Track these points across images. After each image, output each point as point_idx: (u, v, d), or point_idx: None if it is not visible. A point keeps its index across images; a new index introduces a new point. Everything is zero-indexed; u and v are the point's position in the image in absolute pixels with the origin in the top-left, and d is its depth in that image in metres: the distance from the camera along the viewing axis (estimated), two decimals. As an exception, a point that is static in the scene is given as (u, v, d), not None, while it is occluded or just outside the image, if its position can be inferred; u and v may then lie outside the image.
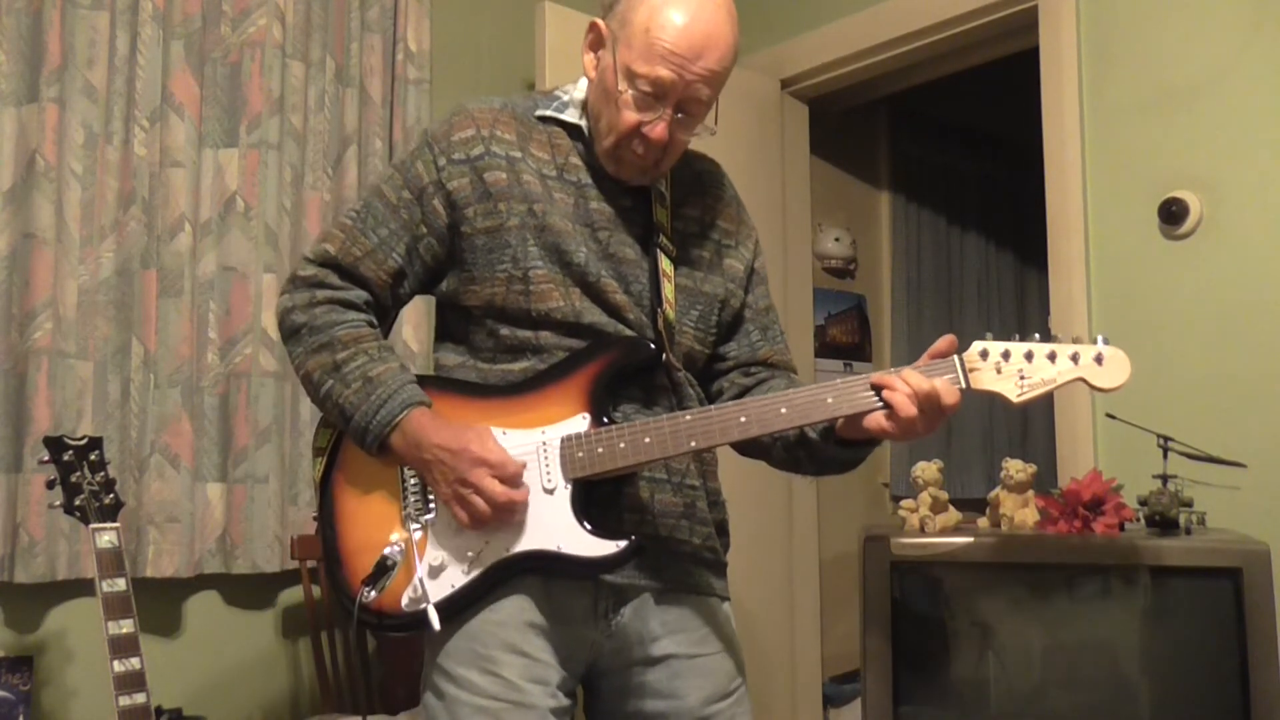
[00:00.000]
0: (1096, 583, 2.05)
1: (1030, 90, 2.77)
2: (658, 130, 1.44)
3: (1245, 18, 2.37)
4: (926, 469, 2.24)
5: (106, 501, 1.95)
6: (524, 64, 2.98)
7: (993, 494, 2.24)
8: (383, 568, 1.43)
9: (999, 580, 2.11)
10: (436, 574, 1.44)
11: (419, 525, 1.46)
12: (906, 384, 1.38)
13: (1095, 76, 2.62)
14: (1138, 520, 2.11)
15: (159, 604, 2.47)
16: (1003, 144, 4.52)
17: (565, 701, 1.47)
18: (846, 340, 4.08)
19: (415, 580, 1.43)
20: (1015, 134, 3.93)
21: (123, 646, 1.87)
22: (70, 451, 1.96)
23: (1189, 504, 2.10)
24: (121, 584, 1.90)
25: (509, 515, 1.41)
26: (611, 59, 1.44)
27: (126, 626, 1.88)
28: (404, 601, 1.43)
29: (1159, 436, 2.16)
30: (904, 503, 2.25)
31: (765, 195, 3.37)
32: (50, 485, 1.95)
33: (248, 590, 2.62)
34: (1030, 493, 2.21)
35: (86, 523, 1.93)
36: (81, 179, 2.38)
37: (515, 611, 1.45)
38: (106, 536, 1.93)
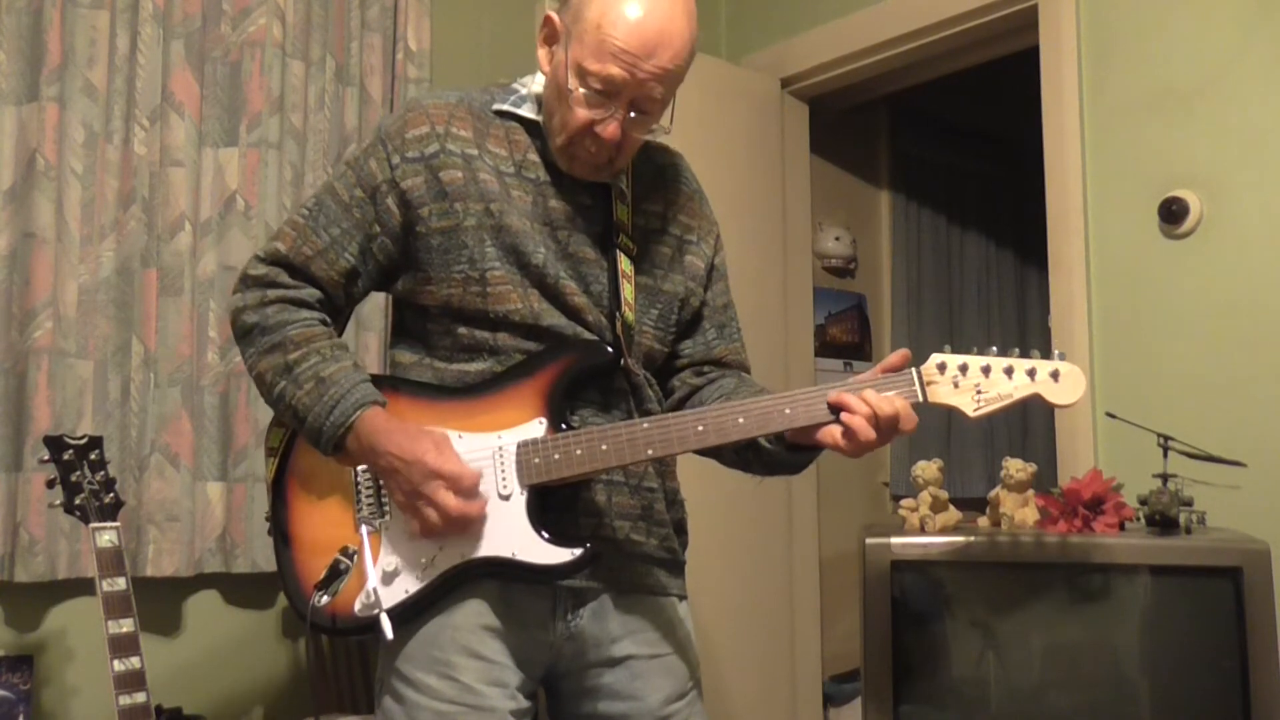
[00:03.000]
0: (1096, 583, 2.05)
1: (1030, 90, 2.77)
2: (610, 129, 1.41)
3: (1245, 18, 2.37)
4: (926, 469, 2.24)
5: (106, 501, 1.95)
6: (524, 64, 2.96)
7: (993, 494, 2.24)
8: (335, 572, 1.42)
9: (999, 580, 2.11)
10: (390, 579, 1.42)
11: (373, 529, 1.44)
12: (866, 405, 1.37)
13: (1095, 76, 2.62)
14: (1138, 520, 2.11)
15: (159, 603, 2.47)
16: (1003, 144, 4.52)
17: (525, 704, 1.46)
18: (846, 340, 4.08)
19: (368, 586, 1.41)
20: (1015, 134, 3.93)
21: (123, 646, 1.86)
22: (70, 451, 1.96)
23: (1189, 503, 2.10)
24: (121, 583, 1.90)
25: (462, 528, 1.40)
26: (564, 55, 1.42)
27: (126, 626, 1.87)
28: (357, 607, 1.42)
29: (1159, 436, 2.16)
30: (904, 502, 2.25)
31: (765, 195, 3.37)
32: (50, 484, 1.95)
33: (248, 590, 2.61)
34: (1030, 492, 2.21)
35: (86, 522, 1.93)
36: (81, 178, 2.38)
37: (472, 615, 1.44)
38: (106, 536, 1.92)
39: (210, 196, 2.56)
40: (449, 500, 1.37)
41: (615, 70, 1.38)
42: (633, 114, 1.42)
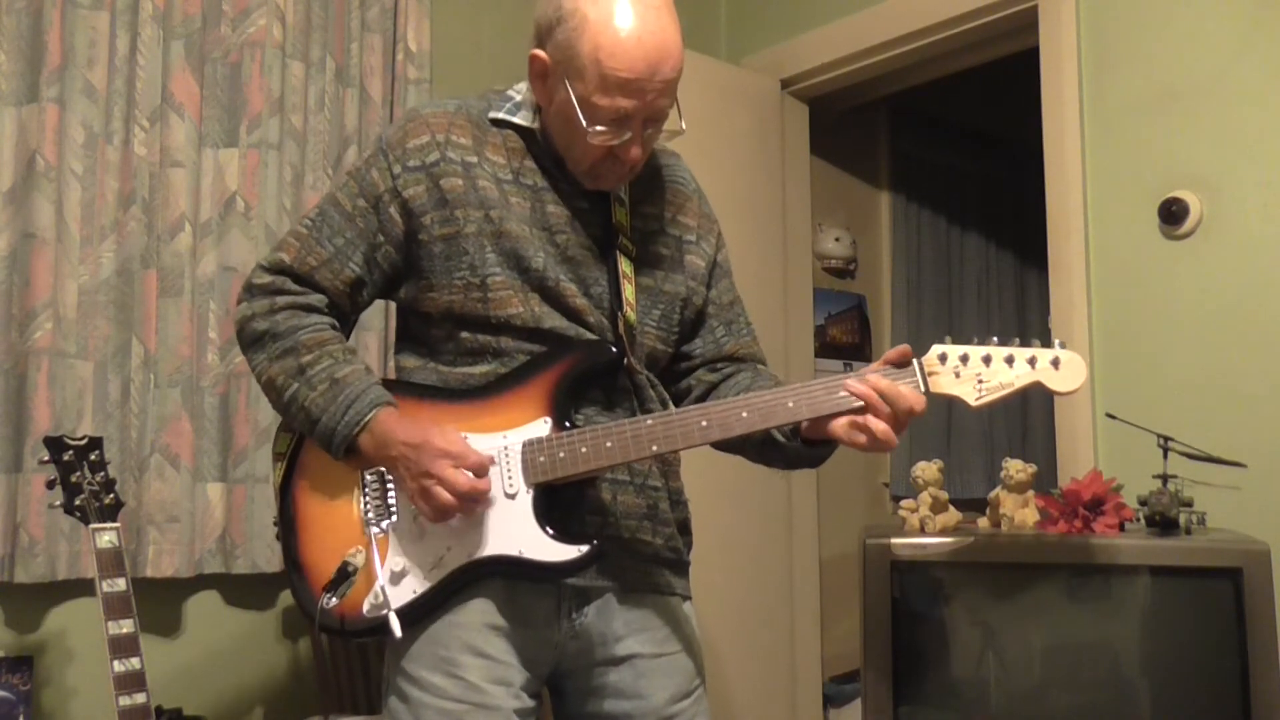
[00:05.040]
0: (1096, 583, 2.05)
1: (1030, 90, 2.77)
2: (633, 154, 1.44)
3: (1245, 18, 2.37)
4: (926, 469, 2.24)
5: (106, 501, 1.95)
6: (524, 65, 2.96)
7: (993, 494, 2.24)
8: (343, 574, 1.43)
9: (999, 580, 2.11)
10: (398, 580, 1.43)
11: (380, 530, 1.45)
12: (878, 391, 1.39)
13: (1095, 76, 2.62)
14: (1138, 520, 2.12)
15: (159, 604, 2.47)
16: (1003, 144, 4.52)
17: (529, 702, 1.47)
18: (846, 340, 4.08)
19: (376, 587, 1.42)
20: (1015, 134, 3.93)
21: (123, 646, 1.86)
22: (70, 451, 1.96)
23: (1189, 504, 2.10)
24: (121, 584, 1.90)
25: (473, 505, 1.40)
26: (566, 92, 1.41)
27: (126, 626, 1.88)
28: (365, 608, 1.43)
29: (1159, 436, 2.16)
30: (904, 503, 2.25)
31: (765, 195, 3.37)
32: (50, 485, 1.95)
33: (248, 590, 2.62)
34: (1030, 493, 2.21)
35: (86, 523, 1.93)
36: (81, 179, 2.38)
37: (477, 614, 1.45)
38: (106, 536, 1.92)
39: (210, 197, 2.56)
40: (458, 477, 1.37)
41: (624, 101, 1.39)
42: (647, 131, 1.44)
